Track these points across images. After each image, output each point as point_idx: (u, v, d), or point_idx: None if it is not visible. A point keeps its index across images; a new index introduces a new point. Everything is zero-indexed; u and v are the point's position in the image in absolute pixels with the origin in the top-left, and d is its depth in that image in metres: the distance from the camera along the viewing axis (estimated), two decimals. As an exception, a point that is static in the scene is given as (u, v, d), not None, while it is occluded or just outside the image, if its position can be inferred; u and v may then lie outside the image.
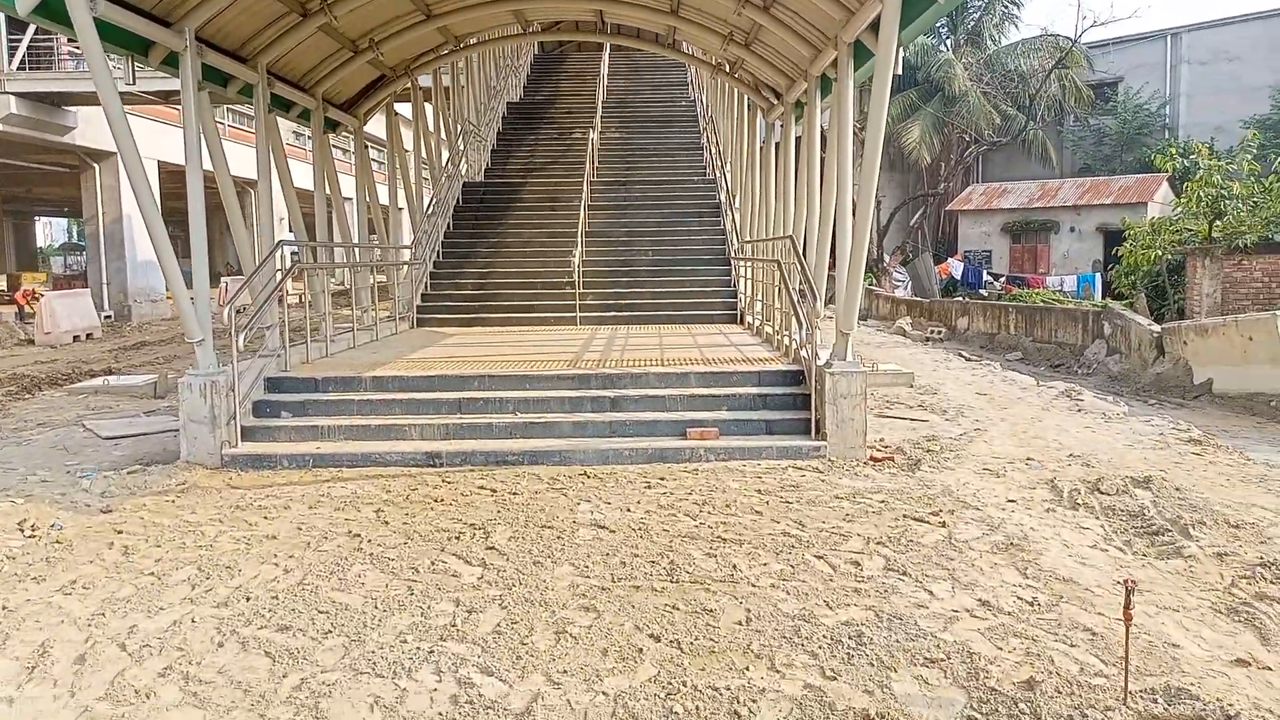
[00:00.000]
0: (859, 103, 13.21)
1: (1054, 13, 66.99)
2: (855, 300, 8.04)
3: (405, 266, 14.31)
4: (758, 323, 12.46)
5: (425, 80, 17.80)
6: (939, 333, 22.22)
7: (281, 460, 7.81)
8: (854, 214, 8.20)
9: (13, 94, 22.74)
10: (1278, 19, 31.19)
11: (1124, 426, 9.70)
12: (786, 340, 9.92)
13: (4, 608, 4.81)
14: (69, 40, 28.90)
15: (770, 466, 7.68)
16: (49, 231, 73.48)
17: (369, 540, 5.86)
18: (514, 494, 6.93)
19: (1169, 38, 33.20)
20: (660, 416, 8.37)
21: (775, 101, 12.13)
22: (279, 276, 9.21)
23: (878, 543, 5.74)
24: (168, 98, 24.31)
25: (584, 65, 26.67)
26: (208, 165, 8.78)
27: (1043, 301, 22.42)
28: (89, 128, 24.95)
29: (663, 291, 14.84)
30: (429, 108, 17.59)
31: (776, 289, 10.80)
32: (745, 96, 14.09)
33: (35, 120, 23.48)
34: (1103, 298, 24.58)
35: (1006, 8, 33.78)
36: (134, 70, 16.63)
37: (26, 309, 22.83)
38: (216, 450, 7.84)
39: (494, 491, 7.01)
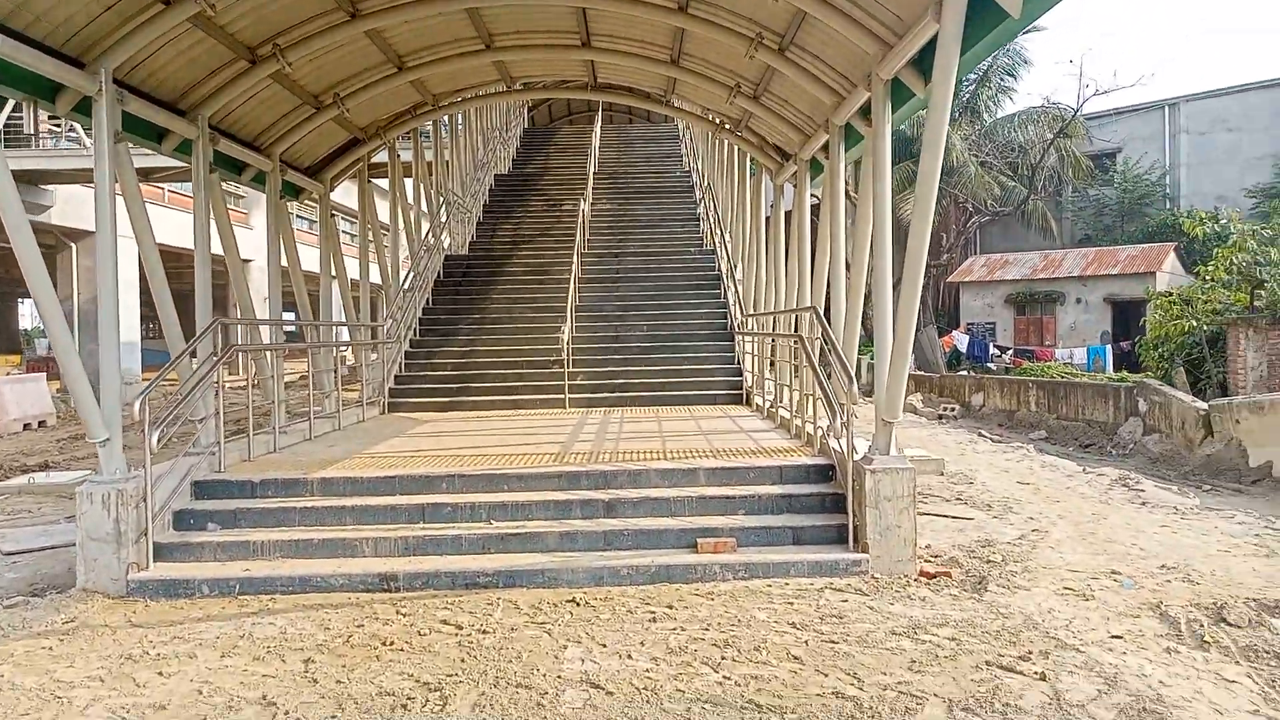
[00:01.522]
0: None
1: (1055, 81, 67.27)
2: (901, 383, 6.70)
3: (376, 346, 12.98)
4: (768, 404, 11.11)
5: (406, 155, 16.81)
6: (952, 410, 20.91)
7: (201, 586, 6.33)
8: (895, 282, 6.96)
9: (-14, 171, 21.74)
10: (1278, 89, 30.77)
11: (1205, 525, 8.31)
12: (809, 427, 8.56)
13: None
14: (49, 117, 28.12)
15: (802, 587, 6.25)
16: (37, 313, 72.28)
17: (286, 713, 4.39)
18: (484, 632, 5.47)
19: (1167, 108, 32.80)
20: (665, 524, 6.94)
21: (784, 161, 10.99)
22: (213, 361, 7.84)
23: (964, 708, 4.30)
24: (148, 175, 23.43)
25: (574, 138, 26.07)
26: (170, 239, 7.55)
27: (1061, 376, 21.16)
28: (67, 207, 24.32)
29: (660, 369, 13.55)
30: (409, 181, 16.54)
31: (793, 367, 9.50)
32: (747, 159, 12.99)
33: (8, 198, 22.42)
34: (1115, 370, 23.34)
35: (1002, 80, 33.36)
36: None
37: (-14, 395, 21.31)
38: (121, 575, 6.37)
39: (459, 628, 5.55)
